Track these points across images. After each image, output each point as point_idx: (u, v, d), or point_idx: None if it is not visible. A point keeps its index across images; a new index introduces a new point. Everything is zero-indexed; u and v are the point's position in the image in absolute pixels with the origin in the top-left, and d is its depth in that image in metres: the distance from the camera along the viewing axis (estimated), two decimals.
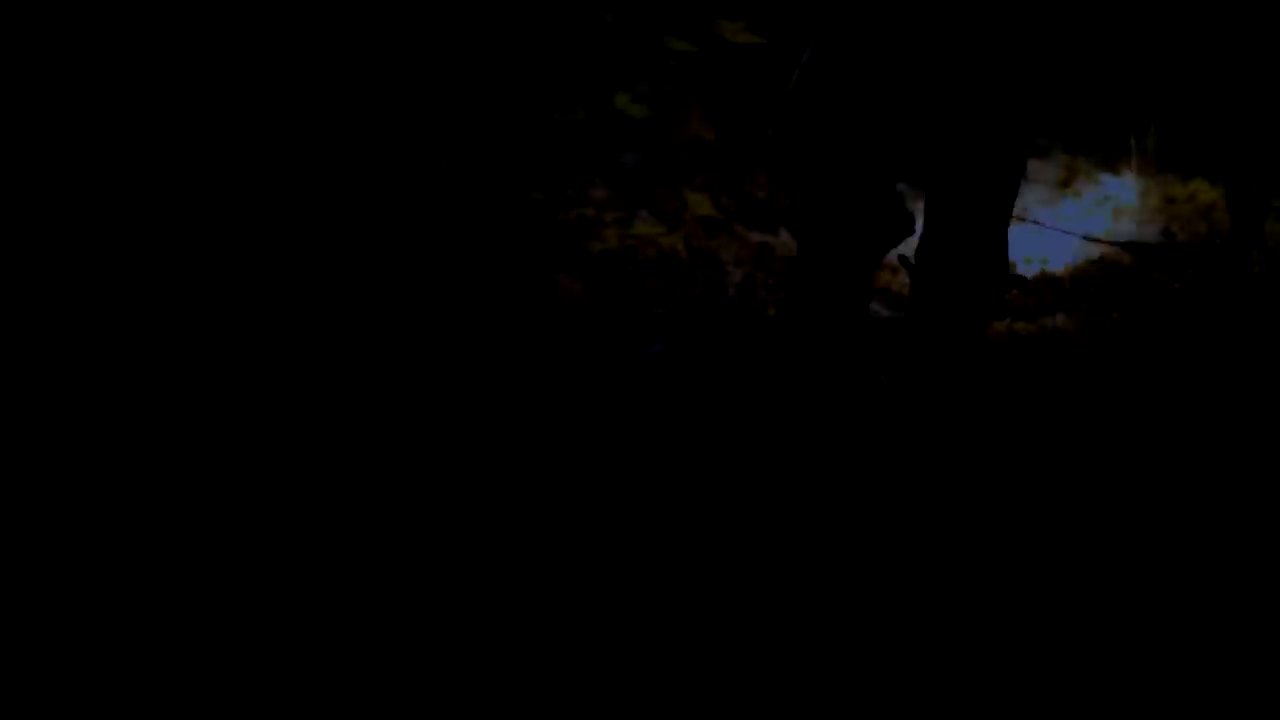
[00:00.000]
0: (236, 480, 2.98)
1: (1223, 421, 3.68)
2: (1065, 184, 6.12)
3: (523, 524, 2.86)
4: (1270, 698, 2.47)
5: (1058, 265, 5.31)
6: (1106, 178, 5.96)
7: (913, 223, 3.60)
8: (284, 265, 4.11)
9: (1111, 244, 5.42)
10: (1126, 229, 5.66)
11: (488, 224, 4.79)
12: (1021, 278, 3.72)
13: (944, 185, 3.55)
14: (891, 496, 3.17)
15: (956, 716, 2.36)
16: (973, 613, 2.66)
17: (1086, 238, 5.47)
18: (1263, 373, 4.01)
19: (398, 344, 3.85)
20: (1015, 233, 3.71)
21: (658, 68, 5.13)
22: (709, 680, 2.42)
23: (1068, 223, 5.80)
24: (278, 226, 4.25)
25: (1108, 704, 2.43)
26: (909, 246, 3.72)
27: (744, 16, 5.08)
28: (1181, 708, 2.43)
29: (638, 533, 2.85)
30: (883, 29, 3.56)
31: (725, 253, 5.25)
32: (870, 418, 3.49)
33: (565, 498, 2.99)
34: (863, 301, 3.57)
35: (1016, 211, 3.93)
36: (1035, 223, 5.47)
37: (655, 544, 2.82)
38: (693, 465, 3.20)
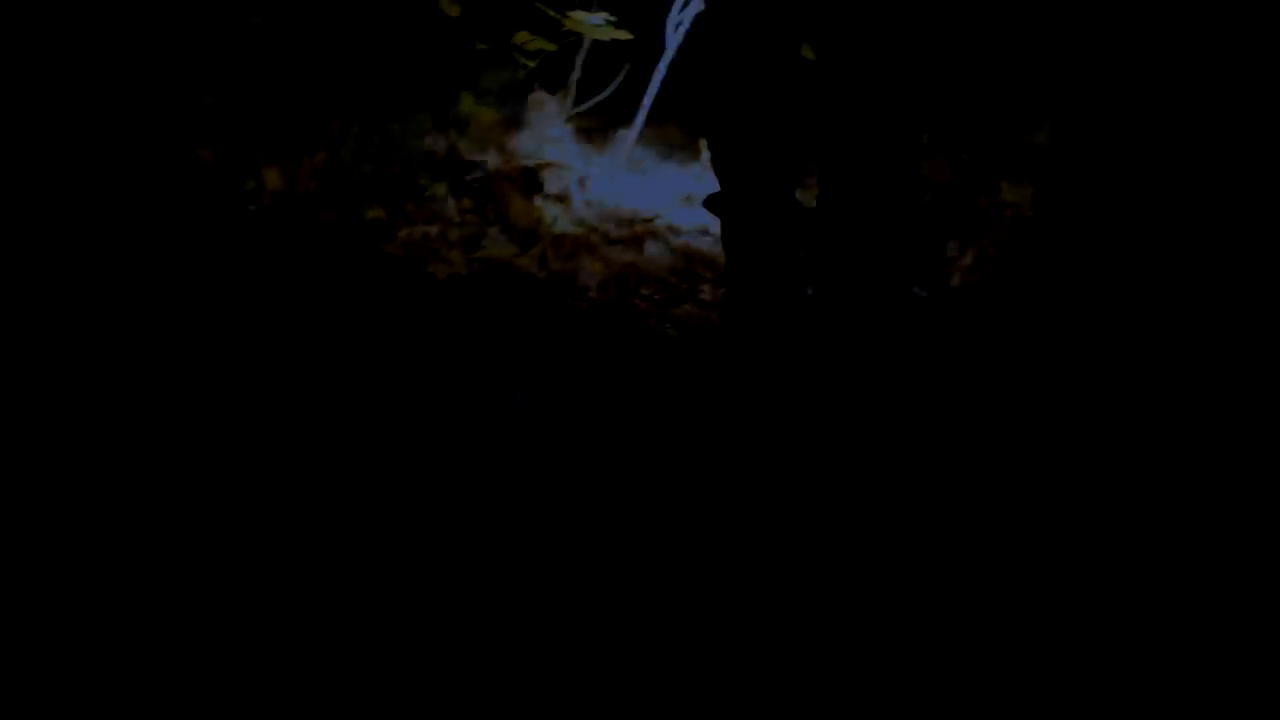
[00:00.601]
0: None
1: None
2: None
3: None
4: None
5: None
6: None
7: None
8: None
9: None
10: None
11: (318, 246, 4.26)
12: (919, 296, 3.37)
13: (833, 185, 3.44)
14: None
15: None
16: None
17: None
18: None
19: (206, 387, 3.30)
20: None
21: (510, 67, 4.65)
22: None
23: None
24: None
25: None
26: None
27: (608, 7, 4.61)
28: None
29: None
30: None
31: (586, 275, 4.73)
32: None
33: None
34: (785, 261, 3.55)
35: None
36: None
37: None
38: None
